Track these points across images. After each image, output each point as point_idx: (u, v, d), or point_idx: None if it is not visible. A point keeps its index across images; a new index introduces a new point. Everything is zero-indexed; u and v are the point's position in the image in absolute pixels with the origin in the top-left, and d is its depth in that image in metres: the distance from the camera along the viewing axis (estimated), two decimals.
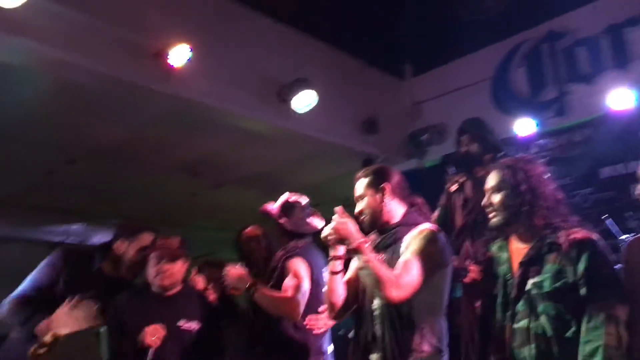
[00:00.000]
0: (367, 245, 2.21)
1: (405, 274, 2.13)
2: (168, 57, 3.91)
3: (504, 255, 2.24)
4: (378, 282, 2.11)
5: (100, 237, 6.59)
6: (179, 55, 3.93)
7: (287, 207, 3.12)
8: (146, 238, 3.08)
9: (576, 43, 5.03)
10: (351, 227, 2.23)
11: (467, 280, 3.01)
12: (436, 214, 3.44)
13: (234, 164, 6.05)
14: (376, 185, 2.41)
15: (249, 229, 3.59)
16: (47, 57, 3.57)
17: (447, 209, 3.42)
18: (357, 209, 2.42)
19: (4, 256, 3.18)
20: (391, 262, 2.25)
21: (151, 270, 2.95)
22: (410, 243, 2.24)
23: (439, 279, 2.24)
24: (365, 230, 2.38)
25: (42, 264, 3.04)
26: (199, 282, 3.62)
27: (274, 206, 3.18)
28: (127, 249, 3.07)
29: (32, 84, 4.16)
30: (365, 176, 2.45)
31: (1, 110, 4.51)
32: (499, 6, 5.17)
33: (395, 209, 2.41)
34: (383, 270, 2.13)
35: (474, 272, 3.01)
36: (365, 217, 2.40)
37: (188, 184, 6.55)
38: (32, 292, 2.93)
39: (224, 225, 7.63)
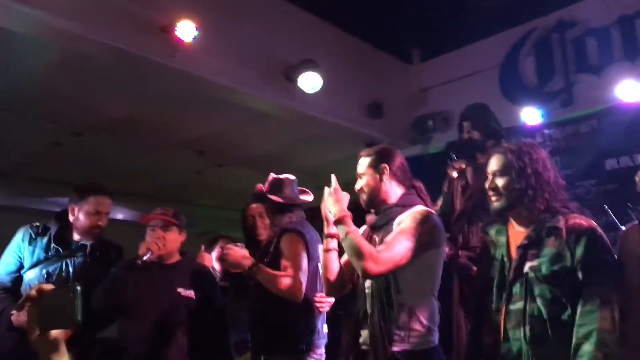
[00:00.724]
0: (350, 218, 2.25)
1: (387, 250, 2.14)
2: (175, 31, 3.90)
3: (502, 238, 2.24)
4: (357, 254, 2.12)
5: None
6: (186, 30, 3.93)
7: (277, 183, 3.13)
8: (95, 201, 3.03)
9: (586, 33, 4.99)
10: (341, 197, 2.30)
11: (461, 262, 3.04)
12: (440, 201, 3.44)
13: (238, 144, 6.07)
14: (377, 165, 2.42)
15: (254, 205, 3.60)
16: (55, 27, 3.56)
17: (449, 196, 3.43)
18: (357, 186, 2.45)
19: (8, 225, 3.20)
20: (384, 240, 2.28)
21: (147, 239, 2.97)
22: (402, 222, 2.25)
23: (429, 259, 2.23)
24: (363, 208, 2.43)
25: (8, 248, 3.05)
26: (207, 258, 3.65)
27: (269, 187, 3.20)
28: (77, 213, 3.05)
29: (39, 54, 4.17)
30: (368, 155, 2.47)
31: (9, 81, 4.54)
32: None
33: (394, 190, 2.42)
34: (364, 243, 2.16)
35: (463, 257, 3.04)
36: (363, 195, 2.44)
37: (192, 162, 6.58)
38: (5, 279, 2.96)
39: (226, 205, 7.71)
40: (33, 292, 1.17)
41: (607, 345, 1.89)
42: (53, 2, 3.45)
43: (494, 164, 2.27)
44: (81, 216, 3.04)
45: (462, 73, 5.64)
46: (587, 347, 1.90)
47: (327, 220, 2.42)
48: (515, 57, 5.39)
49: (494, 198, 2.25)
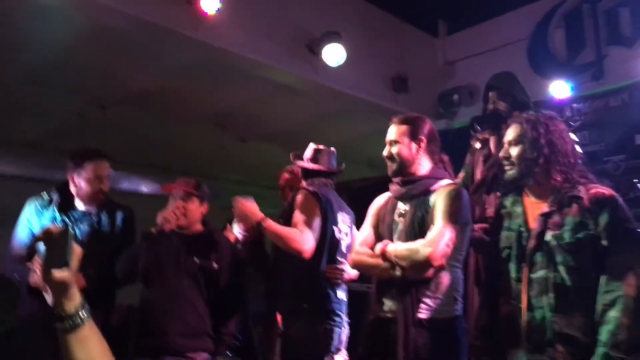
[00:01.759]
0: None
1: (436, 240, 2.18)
2: (200, 3, 3.89)
3: (519, 209, 2.24)
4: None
5: (129, 183, 6.73)
6: (210, 2, 3.91)
7: (313, 152, 3.17)
8: (93, 167, 3.02)
9: (619, 4, 4.83)
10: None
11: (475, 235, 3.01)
12: (462, 174, 3.40)
13: (262, 118, 6.06)
14: (415, 135, 2.42)
15: (286, 174, 3.63)
16: None
17: (470, 167, 3.38)
18: (386, 152, 2.43)
19: (35, 196, 3.24)
20: (415, 215, 2.30)
21: (168, 209, 3.00)
22: (437, 201, 2.27)
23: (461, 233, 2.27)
24: (389, 175, 2.43)
25: (19, 220, 3.09)
26: (231, 236, 3.65)
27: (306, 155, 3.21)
28: (77, 181, 3.04)
29: (65, 25, 4.19)
30: (403, 122, 2.45)
31: (35, 53, 4.57)
32: None
33: (425, 163, 2.44)
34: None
35: (478, 231, 3.01)
36: (393, 163, 2.42)
37: (215, 137, 6.59)
38: (20, 248, 3.01)
39: (250, 180, 7.73)
40: (41, 234, 1.23)
41: (633, 311, 1.89)
42: None
43: (509, 133, 2.27)
44: (82, 184, 3.03)
45: (489, 46, 5.52)
46: (613, 313, 1.91)
47: None
48: (544, 29, 5.25)
49: (507, 167, 2.26)
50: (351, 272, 3.00)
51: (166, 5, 3.85)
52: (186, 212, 3.00)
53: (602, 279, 1.98)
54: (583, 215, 2.05)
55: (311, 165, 3.11)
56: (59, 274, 1.17)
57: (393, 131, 2.44)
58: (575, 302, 2.02)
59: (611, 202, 2.05)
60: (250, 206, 2.89)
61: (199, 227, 3.12)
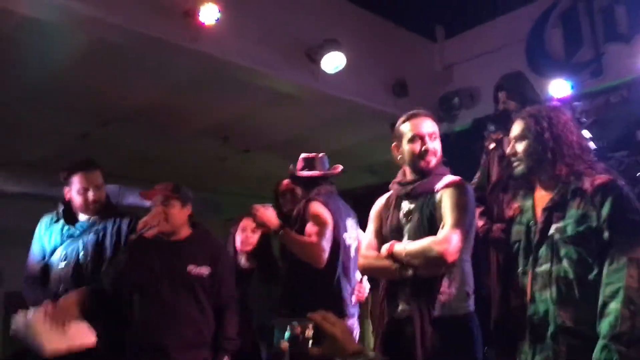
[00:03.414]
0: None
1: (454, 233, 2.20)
2: (199, 15, 3.92)
3: (528, 203, 2.24)
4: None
5: (134, 198, 6.73)
6: (209, 13, 3.94)
7: (306, 161, 3.22)
8: (80, 179, 3.04)
9: (615, 1, 4.85)
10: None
11: (494, 235, 3.02)
12: (478, 174, 3.42)
13: (262, 128, 6.08)
14: (437, 131, 2.44)
15: (286, 181, 3.62)
16: (79, 14, 3.61)
17: (485, 168, 3.39)
18: (422, 148, 2.38)
19: (38, 215, 3.27)
20: (423, 213, 2.31)
21: (149, 215, 2.90)
22: (444, 198, 2.29)
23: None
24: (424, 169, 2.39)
25: (33, 238, 3.12)
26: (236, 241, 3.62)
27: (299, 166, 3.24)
28: (70, 195, 3.08)
29: (64, 41, 4.23)
30: (432, 119, 2.45)
31: (36, 72, 4.61)
32: None
33: None
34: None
35: (496, 231, 3.02)
36: (432, 159, 2.39)
37: (217, 149, 6.61)
38: (33, 266, 3.05)
39: (252, 192, 7.74)
40: None
41: (634, 303, 1.87)
42: None
43: (514, 129, 2.27)
44: (74, 196, 3.06)
45: (487, 48, 5.54)
46: (614, 305, 1.89)
47: None
48: (541, 29, 5.27)
49: (515, 163, 2.25)
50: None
51: (165, 19, 3.88)
52: (168, 217, 2.88)
53: (604, 271, 1.96)
54: (586, 207, 2.03)
55: (311, 173, 3.13)
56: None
57: (431, 125, 2.42)
58: (578, 295, 2.00)
59: (615, 191, 2.02)
60: (268, 214, 2.95)
61: (186, 231, 3.00)
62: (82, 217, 3.12)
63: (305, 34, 4.75)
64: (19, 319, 2.57)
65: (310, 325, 1.39)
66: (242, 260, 3.52)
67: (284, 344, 1.37)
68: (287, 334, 1.37)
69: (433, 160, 2.37)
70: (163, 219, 2.86)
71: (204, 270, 2.89)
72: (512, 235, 2.26)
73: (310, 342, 1.37)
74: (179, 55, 4.21)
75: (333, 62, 4.67)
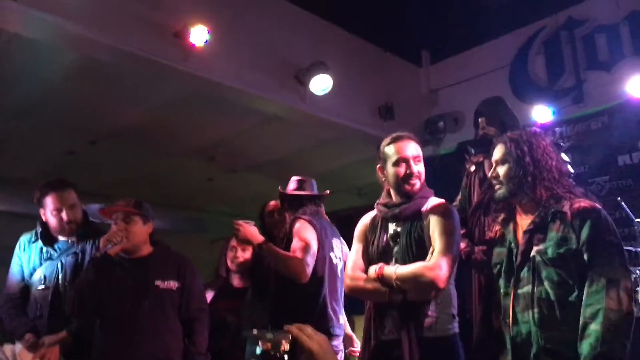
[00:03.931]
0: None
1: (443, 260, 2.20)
2: (189, 36, 3.97)
3: (510, 225, 2.27)
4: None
5: None
6: (199, 35, 3.99)
7: (296, 182, 3.25)
8: (52, 199, 2.94)
9: (596, 30, 5.00)
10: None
11: (476, 257, 3.06)
12: (459, 196, 3.46)
13: (250, 149, 6.12)
14: (421, 154, 2.43)
15: (273, 202, 3.63)
16: (70, 33, 3.65)
17: (466, 190, 3.44)
18: (408, 171, 2.36)
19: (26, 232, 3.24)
20: (411, 236, 2.31)
21: (109, 233, 2.79)
22: (432, 221, 2.30)
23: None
24: (411, 193, 2.38)
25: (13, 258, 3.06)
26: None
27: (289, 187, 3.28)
28: (45, 216, 3.00)
29: (54, 60, 4.26)
30: (416, 141, 2.45)
31: (25, 89, 4.63)
32: None
33: None
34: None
35: (478, 253, 3.06)
36: (417, 182, 2.38)
37: (205, 169, 6.64)
38: (12, 286, 2.99)
39: (239, 211, 7.73)
40: None
41: (614, 324, 1.89)
42: (69, 8, 3.53)
43: (495, 153, 2.31)
44: (49, 218, 2.98)
45: (472, 74, 5.66)
46: (594, 326, 1.91)
47: None
48: (524, 56, 5.42)
49: (496, 187, 2.28)
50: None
51: (155, 39, 3.93)
52: (129, 234, 2.75)
53: (585, 292, 1.98)
54: (566, 230, 2.06)
55: (298, 192, 3.17)
56: None
57: (414, 148, 2.41)
58: (560, 316, 2.02)
59: (593, 214, 2.05)
60: (250, 229, 2.95)
61: (148, 248, 2.89)
62: (61, 237, 3.04)
63: (294, 57, 4.83)
64: (6, 352, 2.58)
65: (284, 340, 1.28)
66: (235, 281, 3.50)
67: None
68: (258, 349, 1.27)
69: (417, 184, 2.37)
70: (124, 236, 2.74)
71: (172, 285, 2.82)
72: (494, 257, 2.29)
73: (286, 357, 1.26)
74: (169, 75, 4.25)
75: (321, 84, 4.74)
